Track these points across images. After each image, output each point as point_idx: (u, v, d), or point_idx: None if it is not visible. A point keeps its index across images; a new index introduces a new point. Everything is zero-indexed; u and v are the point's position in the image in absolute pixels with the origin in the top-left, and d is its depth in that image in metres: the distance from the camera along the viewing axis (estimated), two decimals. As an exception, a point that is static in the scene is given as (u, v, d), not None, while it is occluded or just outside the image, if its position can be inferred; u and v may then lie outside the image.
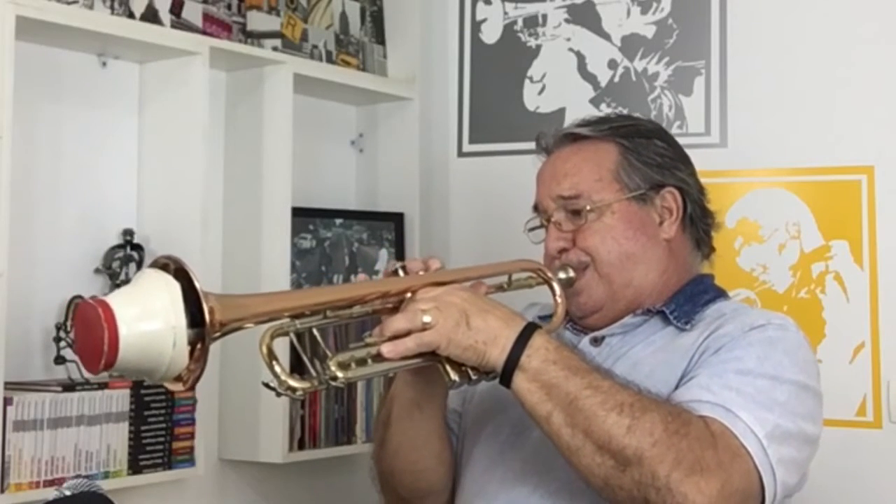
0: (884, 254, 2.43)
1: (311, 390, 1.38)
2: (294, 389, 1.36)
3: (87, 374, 2.09)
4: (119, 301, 1.22)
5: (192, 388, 1.27)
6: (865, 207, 2.44)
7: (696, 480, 1.36)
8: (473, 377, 1.47)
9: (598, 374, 1.44)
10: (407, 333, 1.41)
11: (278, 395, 1.37)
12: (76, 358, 2.08)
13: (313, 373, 1.39)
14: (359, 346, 1.44)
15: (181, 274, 1.24)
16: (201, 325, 1.23)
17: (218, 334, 1.27)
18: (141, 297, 1.23)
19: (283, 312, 1.38)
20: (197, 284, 1.23)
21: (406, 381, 1.60)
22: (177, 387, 1.28)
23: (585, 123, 1.78)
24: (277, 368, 1.35)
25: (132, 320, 1.21)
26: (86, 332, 1.21)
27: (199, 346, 1.24)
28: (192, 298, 1.23)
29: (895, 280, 2.42)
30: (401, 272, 1.52)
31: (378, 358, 1.42)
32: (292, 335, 1.39)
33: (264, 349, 1.35)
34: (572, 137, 1.75)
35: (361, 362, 1.42)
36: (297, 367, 1.46)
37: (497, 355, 1.44)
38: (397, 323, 1.42)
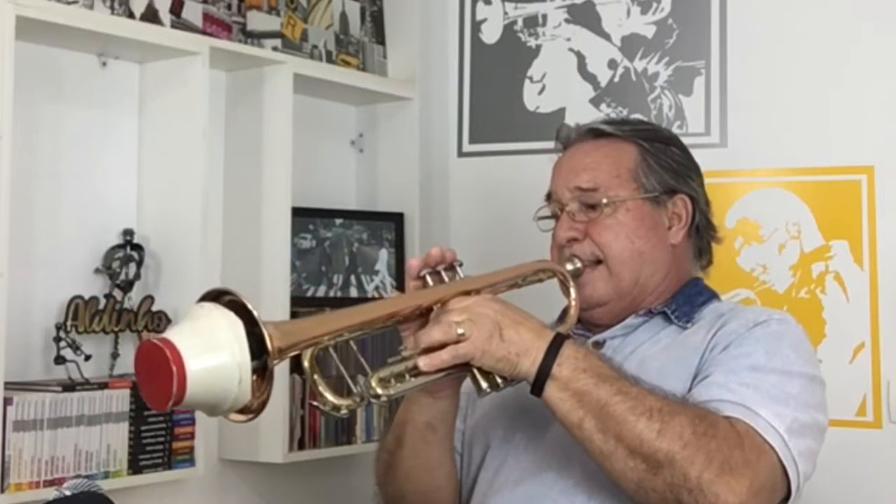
0: (884, 254, 2.43)
1: (354, 408, 1.42)
2: (338, 408, 1.40)
3: (86, 374, 2.10)
4: (183, 339, 1.22)
5: (258, 415, 1.28)
6: (865, 207, 2.44)
7: (727, 480, 1.39)
8: (501, 386, 1.50)
9: (626, 381, 1.47)
10: (442, 345, 1.43)
11: (323, 413, 1.41)
12: (76, 358, 2.10)
13: (355, 390, 1.42)
14: (396, 361, 1.46)
15: (234, 305, 1.25)
16: (262, 355, 1.24)
17: (277, 361, 1.27)
18: (204, 335, 1.23)
19: (332, 334, 1.39)
20: (255, 315, 1.24)
21: (420, 403, 1.62)
22: (242, 418, 1.28)
23: (608, 122, 1.81)
24: (321, 386, 1.39)
25: (198, 359, 1.21)
26: (152, 372, 1.22)
27: (257, 376, 1.25)
28: (250, 330, 1.24)
29: (895, 280, 2.42)
30: (429, 279, 1.53)
31: (414, 371, 1.44)
32: (332, 352, 1.43)
33: (307, 366, 1.40)
34: (594, 133, 1.78)
35: (400, 377, 1.45)
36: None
37: (529, 366, 1.46)
38: (433, 335, 1.44)
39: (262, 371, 1.25)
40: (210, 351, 1.22)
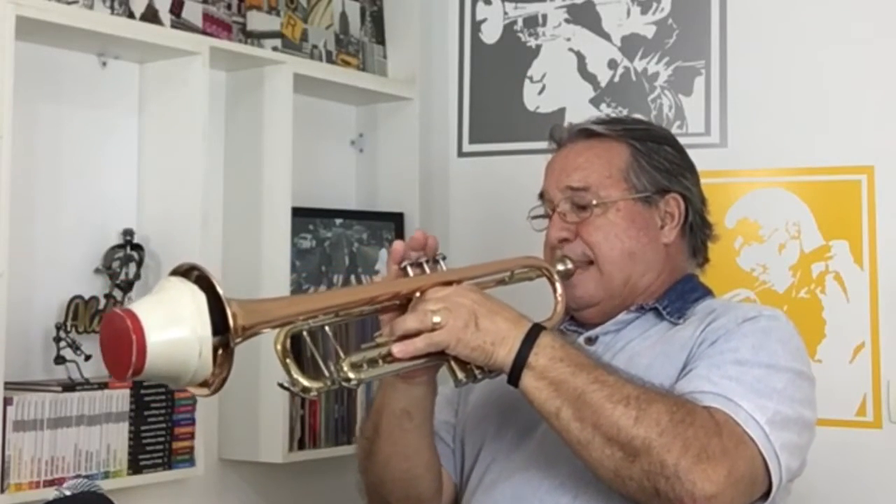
0: (884, 254, 2.43)
1: (325, 390, 1.41)
2: (308, 389, 1.39)
3: (86, 374, 2.10)
4: (146, 311, 1.24)
5: (217, 391, 1.29)
6: (865, 207, 2.44)
7: (704, 468, 1.40)
8: (479, 376, 1.50)
9: (604, 370, 1.47)
10: (417, 333, 1.44)
11: (293, 395, 1.41)
12: (76, 358, 2.10)
13: (326, 373, 1.41)
14: (370, 347, 1.47)
15: (203, 281, 1.26)
16: (225, 332, 1.25)
17: (240, 339, 1.28)
18: (167, 307, 1.25)
19: (301, 315, 1.40)
20: (220, 291, 1.25)
21: (396, 389, 1.62)
22: (202, 392, 1.30)
23: (601, 122, 1.82)
24: (292, 368, 1.38)
25: (159, 330, 1.23)
26: (113, 341, 1.24)
27: (222, 351, 1.26)
28: (214, 306, 1.25)
29: (895, 280, 2.42)
30: (409, 270, 1.53)
31: (388, 358, 1.44)
32: (306, 334, 1.42)
33: (279, 348, 1.39)
34: (587, 133, 1.78)
35: (373, 363, 1.45)
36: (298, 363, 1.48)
37: (504, 355, 1.46)
38: (408, 323, 1.45)
39: (224, 347, 1.26)
40: (172, 324, 1.23)
